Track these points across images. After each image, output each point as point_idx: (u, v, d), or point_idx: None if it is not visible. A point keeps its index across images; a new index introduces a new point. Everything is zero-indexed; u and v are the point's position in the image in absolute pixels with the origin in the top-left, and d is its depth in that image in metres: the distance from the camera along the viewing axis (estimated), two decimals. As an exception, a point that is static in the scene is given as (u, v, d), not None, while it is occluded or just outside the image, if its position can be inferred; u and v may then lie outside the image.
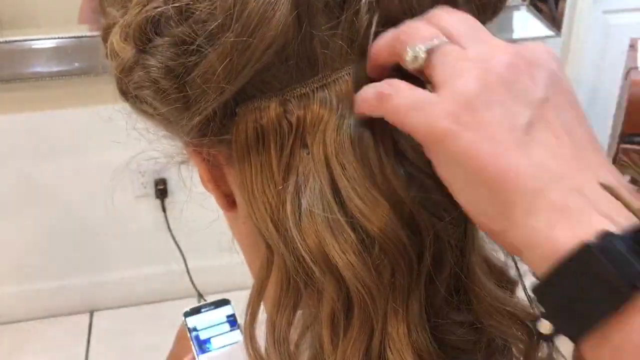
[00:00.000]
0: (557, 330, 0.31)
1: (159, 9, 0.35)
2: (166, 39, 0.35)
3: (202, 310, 0.88)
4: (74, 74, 1.63)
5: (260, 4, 0.32)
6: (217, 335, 0.85)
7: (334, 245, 0.34)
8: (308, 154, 0.35)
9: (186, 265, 1.91)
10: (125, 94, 0.39)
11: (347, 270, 0.34)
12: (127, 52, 0.36)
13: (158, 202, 1.86)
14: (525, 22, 1.88)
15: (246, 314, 0.39)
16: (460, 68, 0.31)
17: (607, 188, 0.29)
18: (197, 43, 0.34)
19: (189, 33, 0.34)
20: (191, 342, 0.84)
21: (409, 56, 0.33)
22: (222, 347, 0.84)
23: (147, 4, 0.35)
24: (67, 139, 1.74)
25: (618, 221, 0.28)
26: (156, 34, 0.35)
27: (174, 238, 1.89)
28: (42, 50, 1.65)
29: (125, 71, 0.37)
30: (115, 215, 1.72)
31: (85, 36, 1.60)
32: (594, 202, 0.29)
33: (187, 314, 0.87)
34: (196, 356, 0.82)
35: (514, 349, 0.39)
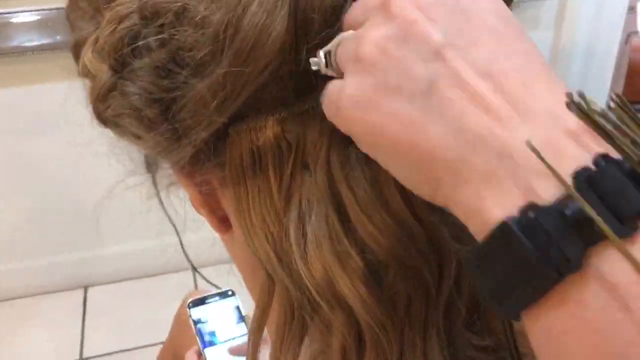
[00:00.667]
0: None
1: (134, 28, 0.31)
2: (146, 60, 0.31)
3: (207, 301, 0.85)
4: (57, 48, 1.59)
5: (255, 26, 0.29)
6: (222, 328, 0.83)
7: (342, 277, 0.31)
8: (311, 176, 0.32)
9: (179, 238, 1.90)
10: (103, 120, 0.35)
11: (357, 304, 0.31)
12: (103, 74, 0.33)
13: (149, 176, 1.84)
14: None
15: (248, 344, 0.36)
16: (356, 46, 0.28)
17: (533, 150, 0.24)
18: (182, 75, 0.30)
19: (172, 60, 0.31)
20: (196, 335, 0.82)
21: (313, 66, 0.30)
22: (228, 340, 0.82)
23: (121, 22, 0.32)
24: (53, 114, 1.71)
25: (548, 189, 0.24)
26: (134, 55, 0.32)
27: (166, 212, 1.87)
28: (24, 24, 1.61)
29: (101, 97, 0.34)
30: (106, 192, 1.70)
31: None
32: (523, 166, 0.24)
33: (192, 305, 0.84)
34: (201, 349, 0.81)
35: None
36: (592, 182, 0.23)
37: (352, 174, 0.31)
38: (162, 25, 0.31)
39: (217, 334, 0.83)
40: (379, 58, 0.27)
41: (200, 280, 1.96)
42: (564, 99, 0.25)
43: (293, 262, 0.32)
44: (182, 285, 2.03)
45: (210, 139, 0.33)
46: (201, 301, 0.86)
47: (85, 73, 0.35)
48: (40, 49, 1.61)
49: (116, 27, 0.32)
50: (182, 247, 1.89)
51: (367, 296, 0.31)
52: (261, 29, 0.29)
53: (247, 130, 0.32)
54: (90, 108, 0.35)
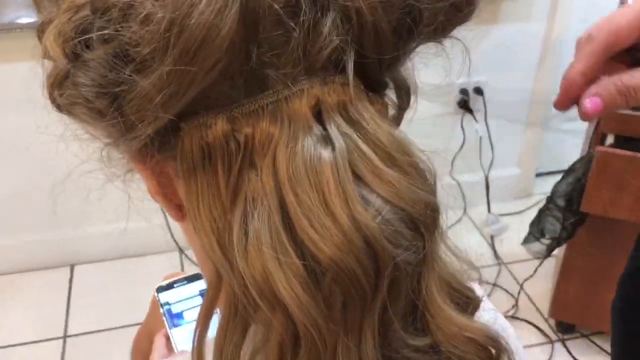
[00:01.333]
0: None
1: (87, 19, 0.31)
2: (97, 53, 0.31)
3: (175, 285, 0.88)
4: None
5: (202, 25, 0.29)
6: (189, 309, 0.85)
7: (280, 279, 0.31)
8: (257, 175, 0.32)
9: (166, 219, 1.91)
10: (58, 106, 0.36)
11: (294, 306, 0.31)
12: (59, 61, 0.33)
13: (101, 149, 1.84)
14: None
15: (194, 334, 0.37)
16: None
17: None
18: (126, 71, 0.30)
19: (118, 55, 0.31)
20: (163, 317, 0.84)
21: None
22: (195, 320, 0.83)
23: (77, 12, 0.32)
24: (35, 91, 1.70)
25: None
26: (87, 47, 0.32)
27: (126, 190, 1.87)
28: (15, 1, 1.60)
29: (56, 83, 0.34)
30: (95, 170, 1.69)
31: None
32: None
33: (160, 290, 0.87)
34: (168, 330, 0.83)
35: None
36: None
37: (298, 178, 0.32)
38: (109, 19, 0.31)
39: (184, 315, 0.85)
40: None
41: (186, 262, 1.97)
42: None
43: (235, 259, 0.32)
44: (168, 266, 2.04)
45: (160, 133, 0.33)
46: (170, 286, 0.88)
47: (47, 56, 0.35)
48: (31, 26, 1.59)
49: (71, 17, 0.32)
50: (169, 228, 1.90)
51: (304, 298, 0.31)
52: (209, 28, 0.29)
53: (197, 126, 0.33)
54: (45, 92, 0.36)
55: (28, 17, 1.59)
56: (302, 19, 0.31)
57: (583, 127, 1.85)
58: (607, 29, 0.41)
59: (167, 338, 0.83)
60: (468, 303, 0.38)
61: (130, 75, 0.30)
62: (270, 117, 0.32)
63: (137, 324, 1.65)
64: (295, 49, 0.32)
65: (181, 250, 1.96)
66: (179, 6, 0.29)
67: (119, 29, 0.30)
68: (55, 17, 0.34)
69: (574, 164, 1.41)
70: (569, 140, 1.85)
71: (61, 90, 0.34)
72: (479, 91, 1.92)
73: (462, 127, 2.01)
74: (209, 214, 0.33)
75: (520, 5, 1.85)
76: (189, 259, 1.95)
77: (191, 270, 1.96)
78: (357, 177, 0.32)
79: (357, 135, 0.33)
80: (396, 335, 0.35)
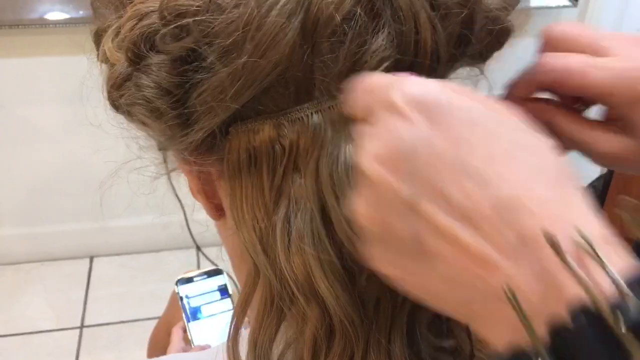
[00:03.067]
0: None
1: (153, 26, 0.34)
2: (162, 56, 0.34)
3: (195, 279, 0.89)
4: (80, 22, 1.62)
5: (275, 24, 0.31)
6: (207, 304, 0.87)
7: (320, 276, 0.33)
8: (300, 178, 0.34)
9: (185, 217, 1.93)
10: (116, 107, 0.38)
11: (332, 300, 0.34)
12: (120, 64, 0.36)
13: (160, 153, 1.87)
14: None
15: (230, 326, 0.39)
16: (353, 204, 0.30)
17: (509, 300, 0.24)
18: (208, 60, 0.33)
19: (194, 49, 0.33)
20: (182, 310, 0.86)
21: None
22: (212, 315, 0.86)
23: (142, 19, 0.34)
24: (70, 86, 1.73)
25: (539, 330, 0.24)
26: (151, 49, 0.34)
27: (174, 190, 1.89)
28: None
29: (116, 85, 0.36)
30: (119, 164, 1.72)
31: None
32: (507, 310, 0.24)
33: (180, 282, 0.88)
34: (186, 323, 0.84)
35: None
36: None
37: (338, 183, 0.33)
38: (182, 24, 0.33)
39: (202, 309, 0.87)
40: (369, 225, 0.29)
41: (203, 260, 1.99)
42: (561, 219, 0.25)
43: (277, 256, 0.34)
44: (185, 262, 2.06)
45: (210, 135, 0.36)
46: (189, 279, 0.90)
47: (104, 60, 0.37)
48: (64, 22, 1.63)
49: (136, 24, 0.34)
50: (188, 226, 1.92)
51: (341, 294, 0.33)
52: (280, 28, 0.31)
53: (245, 131, 0.35)
54: (104, 94, 0.38)
55: (59, 13, 1.63)
56: (356, 32, 0.33)
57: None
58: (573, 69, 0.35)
59: (185, 331, 0.85)
60: None
61: (210, 66, 0.33)
62: (315, 126, 0.34)
63: (152, 318, 1.67)
64: (345, 60, 0.33)
65: (198, 248, 1.98)
66: (259, 4, 0.31)
67: (200, 23, 0.32)
68: (112, 24, 0.36)
69: (593, 181, 1.41)
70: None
71: (121, 92, 0.36)
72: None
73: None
74: (252, 213, 0.35)
75: (547, 20, 1.84)
76: (205, 256, 1.97)
77: (207, 265, 1.98)
78: None
79: None
80: (423, 335, 0.37)
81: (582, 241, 0.23)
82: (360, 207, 0.29)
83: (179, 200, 1.87)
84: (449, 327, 0.37)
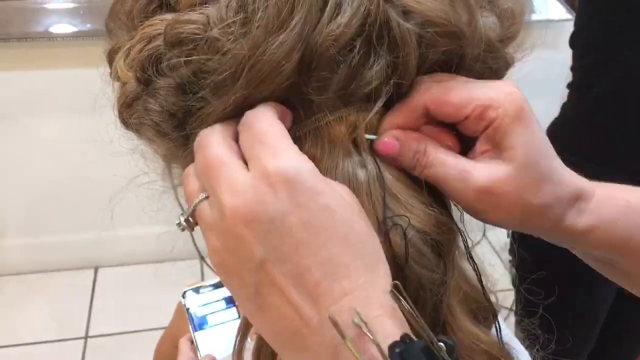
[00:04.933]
0: None
1: (159, 49, 0.35)
2: (168, 80, 0.35)
3: (201, 290, 0.90)
4: (87, 35, 1.64)
5: (272, 59, 0.32)
6: (212, 313, 0.88)
7: None
8: None
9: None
10: (125, 123, 0.39)
11: None
12: (131, 84, 0.37)
13: (163, 164, 1.88)
14: (546, 4, 1.87)
15: (236, 339, 0.40)
16: (206, 237, 0.35)
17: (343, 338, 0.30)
18: (201, 94, 0.34)
19: (193, 80, 0.34)
20: (188, 321, 0.87)
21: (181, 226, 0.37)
22: (218, 324, 0.87)
23: (150, 42, 0.36)
24: (75, 98, 1.75)
25: None
26: (158, 73, 0.35)
27: (178, 200, 1.90)
28: (56, 10, 1.66)
29: (126, 104, 0.38)
30: (123, 175, 1.73)
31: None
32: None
33: (186, 294, 0.89)
34: (192, 333, 0.86)
35: None
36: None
37: None
38: (181, 51, 0.34)
39: (207, 319, 0.87)
40: (219, 266, 0.34)
41: (206, 270, 1.99)
42: (366, 285, 0.31)
43: None
44: (189, 273, 2.06)
45: None
46: (195, 290, 0.91)
47: (116, 78, 0.39)
48: (73, 35, 1.65)
49: (145, 46, 0.36)
50: (192, 236, 1.93)
51: None
52: (277, 64, 0.33)
53: None
54: (115, 111, 0.39)
55: (66, 26, 1.65)
56: (353, 61, 0.34)
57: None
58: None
59: (191, 341, 0.86)
60: (486, 317, 0.40)
61: (204, 97, 0.34)
62: (313, 141, 0.35)
63: (157, 329, 1.67)
64: (341, 84, 0.35)
65: (202, 258, 1.99)
66: (258, 44, 0.33)
67: (198, 59, 0.34)
68: (124, 44, 0.38)
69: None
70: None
71: (131, 111, 0.38)
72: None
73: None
74: None
75: (548, 34, 1.85)
76: (209, 266, 1.97)
77: (210, 277, 1.98)
78: (382, 199, 0.35)
79: (383, 162, 0.36)
80: None
81: (361, 322, 0.30)
82: (213, 246, 0.34)
83: (184, 211, 1.89)
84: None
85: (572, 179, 0.38)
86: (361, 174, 0.35)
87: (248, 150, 0.33)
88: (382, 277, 0.32)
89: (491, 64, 0.38)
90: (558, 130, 1.09)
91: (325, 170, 0.35)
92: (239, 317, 0.88)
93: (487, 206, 0.36)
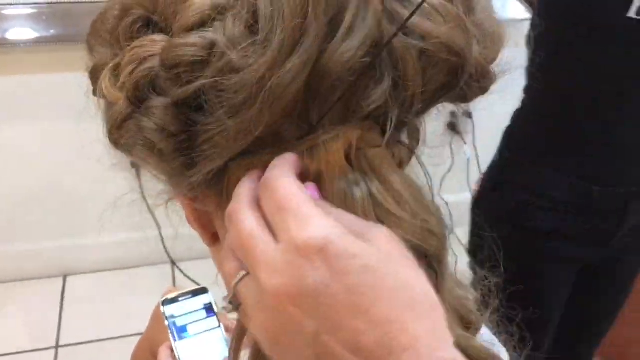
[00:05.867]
0: None
1: (154, 71, 0.35)
2: (164, 99, 0.35)
3: (180, 299, 0.90)
4: (51, 41, 1.62)
5: (284, 83, 0.33)
6: (193, 322, 0.87)
7: None
8: None
9: (160, 232, 1.93)
10: (116, 144, 0.39)
11: None
12: (120, 104, 0.37)
13: (133, 170, 1.87)
14: (505, 3, 1.90)
15: (230, 351, 0.40)
16: (253, 317, 0.34)
17: None
18: (216, 113, 0.34)
19: (199, 100, 0.34)
20: (168, 330, 0.86)
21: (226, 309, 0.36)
22: (198, 333, 0.87)
23: (141, 63, 0.35)
24: (40, 104, 1.73)
25: None
26: (152, 91, 0.35)
27: (148, 206, 1.89)
28: (17, 16, 1.64)
29: (116, 126, 0.37)
30: (91, 182, 1.73)
31: (62, 2, 1.59)
32: None
33: (165, 303, 0.89)
34: (173, 343, 0.85)
35: None
36: None
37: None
38: (184, 71, 0.34)
39: (188, 328, 0.87)
40: (274, 344, 0.34)
41: (178, 275, 1.99)
42: (425, 334, 0.31)
43: None
44: (160, 278, 2.05)
45: (211, 172, 0.37)
46: (174, 299, 0.90)
47: (102, 96, 0.38)
48: (35, 42, 1.63)
49: (136, 68, 0.35)
50: (162, 241, 1.92)
51: None
52: (287, 85, 0.33)
53: (245, 166, 0.37)
54: (105, 132, 0.39)
55: (30, 31, 1.63)
56: (359, 82, 0.35)
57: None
58: None
59: (171, 350, 0.85)
60: (470, 324, 0.41)
61: (219, 118, 0.34)
62: (311, 158, 0.35)
63: (130, 335, 1.66)
64: (344, 103, 0.35)
65: (173, 263, 1.98)
66: (271, 65, 0.33)
67: (211, 79, 0.34)
68: (108, 62, 0.38)
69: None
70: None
71: (122, 132, 0.37)
72: (468, 115, 1.96)
73: (450, 148, 2.05)
74: None
75: (512, 30, 1.89)
76: (182, 271, 1.97)
77: (183, 283, 1.99)
78: (377, 218, 0.36)
79: (376, 178, 0.36)
80: None
81: None
82: (263, 325, 0.34)
83: (154, 217, 1.88)
84: None
85: None
86: (357, 192, 0.35)
87: (272, 217, 0.33)
88: (439, 323, 0.32)
89: (482, 83, 0.40)
90: (514, 131, 1.12)
91: (323, 188, 0.35)
92: (220, 325, 0.88)
93: None
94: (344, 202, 0.35)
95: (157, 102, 0.35)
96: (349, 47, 0.34)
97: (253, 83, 0.33)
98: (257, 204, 0.35)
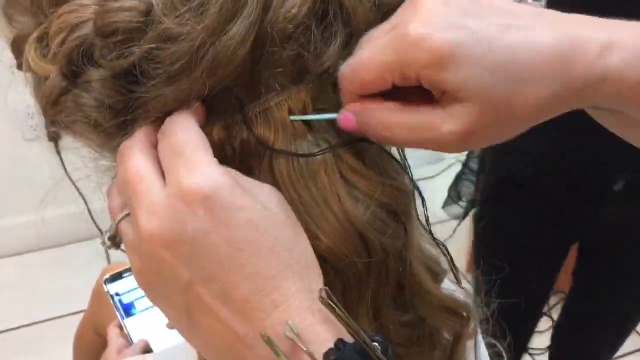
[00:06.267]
0: None
1: (87, 39, 0.32)
2: (102, 71, 0.32)
3: (124, 275, 0.88)
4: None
5: (226, 49, 0.31)
6: (140, 298, 0.86)
7: None
8: (255, 177, 0.34)
9: (87, 206, 1.87)
10: (52, 122, 0.36)
11: None
12: (52, 78, 0.34)
13: (51, 144, 1.79)
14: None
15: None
16: (129, 258, 0.34)
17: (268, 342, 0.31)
18: (152, 82, 0.32)
19: (138, 69, 0.32)
20: (115, 308, 0.84)
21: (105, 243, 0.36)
22: (146, 308, 0.85)
23: (72, 31, 0.32)
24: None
25: None
26: (88, 64, 0.33)
27: (72, 180, 1.83)
28: None
29: (51, 101, 0.34)
30: (5, 159, 1.65)
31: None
32: None
33: (108, 281, 0.86)
34: (121, 321, 0.83)
35: (444, 332, 0.42)
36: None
37: (295, 178, 0.35)
38: (120, 40, 0.32)
39: (134, 304, 0.86)
40: (146, 288, 0.34)
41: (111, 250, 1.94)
42: (297, 293, 0.31)
43: None
44: (94, 253, 1.99)
45: None
46: (118, 276, 0.88)
47: (29, 68, 0.35)
48: None
49: (67, 36, 0.33)
50: (91, 215, 1.86)
51: None
52: (232, 50, 0.32)
53: None
54: (38, 109, 0.36)
55: None
56: (311, 44, 0.34)
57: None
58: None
59: (120, 328, 0.84)
60: (437, 274, 0.42)
61: (154, 87, 0.32)
62: (264, 123, 0.34)
63: (63, 315, 1.61)
64: (295, 65, 0.34)
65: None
66: (213, 32, 0.31)
67: (147, 48, 0.31)
68: (33, 31, 0.34)
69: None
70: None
71: (59, 108, 0.34)
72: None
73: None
74: None
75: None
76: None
77: (116, 257, 1.93)
78: (342, 177, 0.35)
79: (339, 138, 0.36)
80: (386, 313, 0.38)
81: (293, 334, 0.30)
82: (137, 267, 0.33)
83: (79, 191, 1.82)
84: (408, 301, 0.39)
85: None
86: (316, 158, 0.35)
87: (165, 162, 0.32)
88: (314, 282, 0.32)
89: None
90: None
91: (283, 150, 0.34)
92: None
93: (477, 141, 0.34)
94: (305, 169, 0.34)
95: (95, 75, 0.33)
96: (294, 2, 0.33)
97: (192, 52, 0.31)
98: (153, 147, 0.33)
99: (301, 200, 0.35)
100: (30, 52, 0.34)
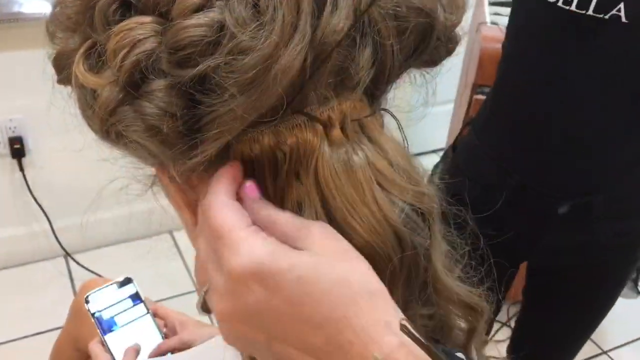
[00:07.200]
0: None
1: (153, 53, 0.34)
2: (167, 81, 0.35)
3: (103, 292, 0.88)
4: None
5: (287, 64, 0.34)
6: (120, 313, 0.86)
7: None
8: (302, 183, 0.38)
9: (51, 225, 1.85)
10: (107, 133, 0.38)
11: None
12: (108, 90, 0.36)
13: (15, 161, 1.77)
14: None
15: None
16: (219, 326, 0.38)
17: None
18: (227, 92, 0.34)
19: (205, 81, 0.34)
20: (95, 325, 0.85)
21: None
22: (127, 323, 0.86)
23: (135, 47, 0.34)
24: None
25: None
26: (151, 74, 0.35)
27: (35, 198, 1.81)
28: None
29: (109, 112, 0.36)
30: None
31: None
32: None
33: (88, 300, 0.87)
34: (102, 337, 0.84)
35: (461, 324, 0.46)
36: None
37: (337, 180, 0.38)
38: (191, 52, 0.34)
39: (115, 319, 0.86)
40: (241, 350, 0.39)
41: (73, 266, 1.91)
42: (368, 324, 0.34)
43: None
44: (55, 272, 1.96)
45: (216, 152, 0.37)
46: (98, 292, 0.89)
47: (77, 84, 0.37)
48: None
49: (129, 51, 0.34)
50: (54, 233, 1.84)
51: None
52: (291, 65, 0.34)
53: (245, 142, 0.37)
54: (95, 121, 0.38)
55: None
56: (348, 53, 0.37)
57: (450, 110, 1.99)
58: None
59: (102, 344, 0.84)
60: (451, 270, 0.46)
61: (227, 98, 0.34)
62: (310, 129, 0.37)
63: (35, 334, 1.58)
64: (336, 75, 0.37)
65: (68, 254, 1.90)
66: (278, 45, 0.34)
67: (200, 61, 0.34)
68: (76, 48, 0.37)
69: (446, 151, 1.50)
70: (437, 122, 1.95)
71: (114, 119, 0.36)
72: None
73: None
74: None
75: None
76: (77, 262, 1.90)
77: (79, 274, 1.92)
78: (378, 183, 0.39)
79: (372, 146, 0.39)
80: (414, 306, 0.42)
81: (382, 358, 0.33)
82: (225, 335, 0.38)
83: (42, 208, 1.79)
84: (429, 295, 0.43)
85: None
86: (357, 160, 0.38)
87: (212, 246, 0.36)
88: (381, 304, 0.35)
89: (449, 45, 0.43)
90: (476, 129, 1.09)
91: (322, 157, 0.37)
92: (148, 312, 0.88)
93: None
94: (346, 172, 0.38)
95: (158, 85, 0.35)
96: (338, 19, 0.36)
97: (262, 63, 0.34)
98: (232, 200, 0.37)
99: (342, 199, 0.38)
100: (79, 67, 0.36)
